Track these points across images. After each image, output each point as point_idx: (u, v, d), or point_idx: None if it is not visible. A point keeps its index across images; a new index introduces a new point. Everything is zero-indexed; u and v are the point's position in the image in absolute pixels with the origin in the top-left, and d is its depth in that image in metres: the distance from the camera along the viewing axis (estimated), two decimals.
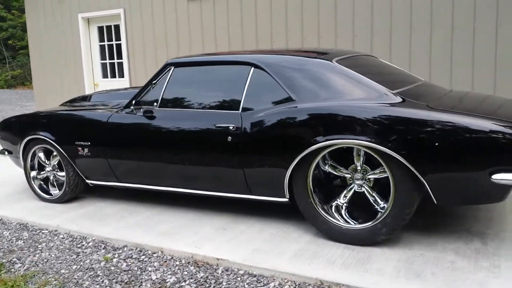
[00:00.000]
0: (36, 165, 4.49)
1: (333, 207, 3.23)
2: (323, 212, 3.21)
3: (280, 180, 3.26)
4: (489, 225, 3.38)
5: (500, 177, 2.66)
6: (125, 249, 3.40)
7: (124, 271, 3.10)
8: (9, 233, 3.83)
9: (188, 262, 3.13)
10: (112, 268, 3.16)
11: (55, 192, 4.41)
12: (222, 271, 2.98)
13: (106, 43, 8.42)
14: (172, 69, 3.80)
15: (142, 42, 7.78)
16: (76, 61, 8.57)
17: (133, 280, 2.99)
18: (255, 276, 2.89)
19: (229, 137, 3.36)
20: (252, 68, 3.45)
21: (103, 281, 3.01)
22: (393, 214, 2.97)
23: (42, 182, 4.50)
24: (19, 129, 4.44)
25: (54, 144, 4.18)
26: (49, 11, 8.78)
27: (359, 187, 3.19)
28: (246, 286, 2.80)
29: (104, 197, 4.52)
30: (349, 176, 3.21)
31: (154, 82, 3.85)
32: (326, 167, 3.25)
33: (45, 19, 8.85)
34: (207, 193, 3.66)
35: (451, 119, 2.77)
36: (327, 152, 3.13)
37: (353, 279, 2.69)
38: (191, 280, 2.92)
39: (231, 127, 3.36)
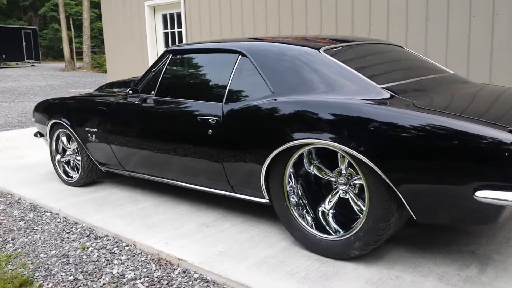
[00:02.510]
0: (61, 149, 4.65)
1: (319, 212, 2.91)
2: (298, 218, 2.90)
3: (257, 179, 3.00)
4: (502, 249, 2.82)
5: (484, 195, 2.17)
6: (105, 239, 3.37)
7: (93, 261, 3.07)
8: (18, 213, 4.01)
9: (152, 259, 3.01)
10: (84, 257, 3.14)
11: (75, 175, 4.54)
12: (179, 273, 2.82)
13: (169, 30, 8.56)
14: (170, 56, 3.67)
15: (199, 29, 7.79)
16: (142, 47, 8.84)
17: (95, 272, 2.94)
18: (207, 281, 2.70)
19: (210, 130, 3.16)
20: (239, 57, 3.20)
21: (70, 269, 3.00)
22: (366, 227, 2.58)
23: (65, 165, 4.66)
24: (46, 112, 4.63)
25: (70, 129, 4.28)
26: (120, 0, 9.13)
27: (343, 193, 2.82)
28: None
29: (120, 183, 4.56)
30: (334, 180, 2.86)
31: (153, 70, 3.76)
32: (312, 168, 2.92)
33: (116, 7, 9.22)
34: (196, 187, 3.51)
35: (432, 121, 2.31)
36: (308, 152, 2.82)
37: None
38: (146, 279, 2.80)
39: (210, 120, 3.16)
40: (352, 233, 2.65)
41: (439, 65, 3.57)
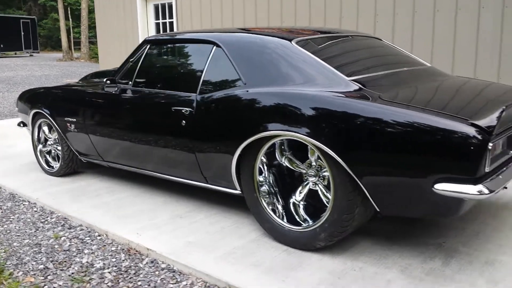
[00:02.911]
0: (42, 138, 4.65)
1: (291, 204, 2.91)
2: (268, 209, 2.90)
3: (228, 170, 3.00)
4: (470, 242, 2.83)
5: (443, 188, 2.17)
6: (78, 228, 3.38)
7: (64, 250, 3.08)
8: None
9: (122, 249, 3.02)
10: (56, 246, 3.15)
11: (56, 165, 4.54)
12: (147, 263, 2.83)
13: (161, 20, 8.53)
14: (148, 46, 3.66)
15: (190, 19, 7.76)
16: (134, 37, 8.82)
17: (65, 261, 2.95)
18: (174, 271, 2.71)
19: (183, 121, 3.16)
20: (214, 48, 3.19)
21: (41, 258, 3.01)
22: (331, 218, 2.59)
23: (47, 155, 4.66)
24: (29, 102, 4.62)
25: (50, 118, 4.28)
26: None
27: (313, 184, 2.82)
28: (159, 281, 2.62)
29: (100, 173, 4.57)
30: (304, 172, 2.85)
31: (131, 59, 3.75)
32: (283, 160, 2.92)
33: None
34: (172, 178, 3.51)
35: (394, 114, 2.31)
36: (281, 143, 2.82)
37: (261, 287, 2.39)
38: (114, 268, 2.81)
39: (183, 111, 3.15)
40: (318, 224, 2.66)
41: (416, 58, 3.56)
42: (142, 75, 3.61)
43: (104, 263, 2.88)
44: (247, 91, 2.89)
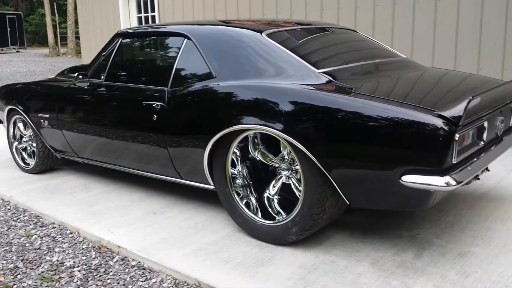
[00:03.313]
0: (18, 135, 4.57)
1: (265, 198, 2.87)
2: (241, 204, 2.86)
3: (201, 165, 2.95)
4: (444, 233, 2.81)
5: (409, 180, 2.14)
6: (50, 226, 3.32)
7: (34, 249, 3.02)
8: None
9: (94, 247, 2.97)
10: (27, 245, 3.09)
11: (32, 162, 4.47)
12: (117, 260, 2.78)
13: (143, 14, 8.43)
14: (120, 40, 3.59)
15: (172, 13, 7.68)
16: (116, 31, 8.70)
17: (36, 260, 2.90)
18: (144, 269, 2.66)
19: (155, 115, 3.10)
20: (185, 41, 3.12)
21: (11, 257, 2.95)
22: (302, 212, 2.55)
23: (23, 152, 4.58)
24: (4, 98, 4.53)
25: (24, 114, 4.20)
26: None
27: (286, 178, 2.78)
28: (128, 279, 2.58)
29: (77, 170, 4.50)
30: (278, 165, 2.81)
31: (103, 54, 3.67)
32: (256, 154, 2.87)
33: None
34: (146, 174, 3.46)
35: (360, 105, 2.27)
36: (254, 137, 2.78)
37: (230, 283, 2.35)
38: (84, 267, 2.76)
39: (154, 105, 3.09)
40: (290, 218, 2.62)
41: (392, 50, 3.52)
42: (114, 69, 3.55)
43: (74, 261, 2.83)
44: (218, 84, 2.84)
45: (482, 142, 2.42)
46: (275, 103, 2.51)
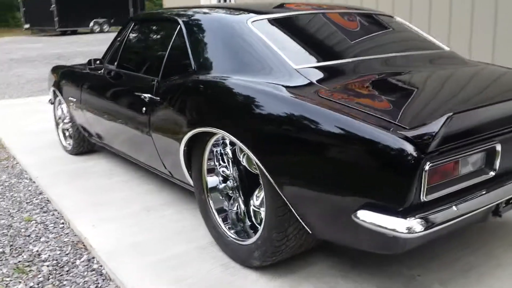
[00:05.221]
0: (63, 116, 4.68)
1: (251, 211, 2.52)
2: (216, 214, 2.54)
3: (180, 169, 2.69)
4: (453, 281, 2.22)
5: (364, 217, 1.65)
6: (51, 213, 3.30)
7: (25, 236, 3.02)
8: (5, 177, 4.10)
9: (73, 242, 2.88)
10: (22, 230, 3.10)
11: (70, 144, 4.54)
12: (83, 261, 2.65)
13: None
14: (132, 25, 3.41)
15: None
16: None
17: (20, 247, 2.88)
18: (101, 275, 2.49)
19: (144, 108, 2.89)
20: (178, 27, 2.83)
21: (4, 241, 2.97)
22: (263, 236, 2.17)
23: (66, 133, 4.68)
24: (50, 79, 4.66)
25: (60, 96, 4.27)
26: None
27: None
28: (81, 284, 2.42)
29: (113, 153, 4.48)
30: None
31: (118, 39, 3.53)
32: (242, 159, 2.53)
33: None
34: (149, 168, 3.28)
35: (318, 115, 1.81)
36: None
37: None
38: (54, 262, 2.67)
39: (142, 97, 2.87)
40: (253, 240, 2.25)
41: (432, 41, 2.87)
42: (125, 55, 3.39)
43: (49, 255, 2.75)
44: (194, 78, 2.53)
45: (492, 172, 1.81)
46: (233, 105, 2.15)
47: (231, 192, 2.56)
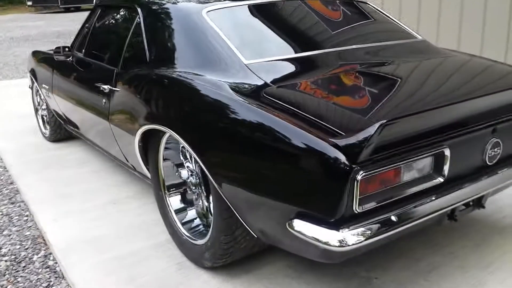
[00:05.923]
0: (40, 102, 4.60)
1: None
2: (173, 212, 2.47)
3: (138, 161, 2.61)
4: (414, 283, 2.14)
5: (297, 226, 1.56)
6: (17, 205, 3.25)
7: None
8: None
9: (33, 236, 2.83)
10: None
11: (48, 130, 4.47)
12: (40, 256, 2.60)
13: None
14: (99, 10, 3.29)
15: None
16: None
17: None
18: (55, 272, 2.44)
19: (104, 99, 2.79)
20: (137, 16, 2.71)
21: None
22: (212, 236, 2.09)
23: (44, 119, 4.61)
24: (28, 63, 4.57)
25: (37, 83, 4.18)
26: None
27: None
28: (34, 281, 2.37)
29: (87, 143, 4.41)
30: None
31: (86, 25, 3.42)
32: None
33: None
34: (115, 159, 3.21)
35: (258, 117, 1.71)
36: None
37: None
38: (12, 257, 2.62)
39: (102, 88, 2.78)
40: (204, 241, 2.17)
41: (404, 30, 2.72)
42: (91, 43, 3.28)
43: (9, 249, 2.71)
44: (149, 72, 2.43)
45: (441, 178, 1.70)
46: (175, 101, 2.06)
47: (194, 188, 2.49)
